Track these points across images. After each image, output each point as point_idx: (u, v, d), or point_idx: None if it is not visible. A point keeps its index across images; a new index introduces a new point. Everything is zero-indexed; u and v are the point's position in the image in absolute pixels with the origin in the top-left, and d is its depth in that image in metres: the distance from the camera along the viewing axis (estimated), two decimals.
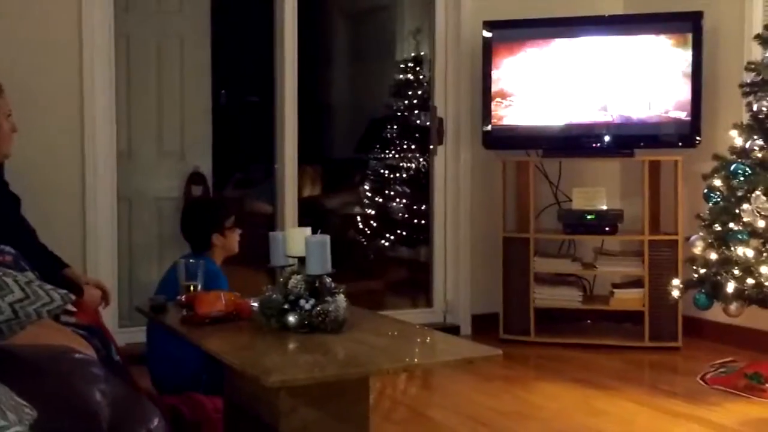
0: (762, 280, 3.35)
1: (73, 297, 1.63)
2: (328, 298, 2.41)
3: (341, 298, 2.43)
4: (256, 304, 2.54)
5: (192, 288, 2.62)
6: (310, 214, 5.42)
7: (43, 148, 3.71)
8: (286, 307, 2.41)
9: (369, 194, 6.49)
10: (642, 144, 4.36)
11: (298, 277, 2.45)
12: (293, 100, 4.41)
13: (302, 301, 2.41)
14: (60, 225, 3.69)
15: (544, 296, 4.39)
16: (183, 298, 2.58)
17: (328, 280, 2.45)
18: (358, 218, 6.53)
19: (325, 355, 2.22)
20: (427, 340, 2.46)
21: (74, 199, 3.88)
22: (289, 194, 4.44)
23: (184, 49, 4.52)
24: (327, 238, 2.47)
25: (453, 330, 4.53)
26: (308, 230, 2.57)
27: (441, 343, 2.43)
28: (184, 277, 2.63)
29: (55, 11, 3.82)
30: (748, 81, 3.67)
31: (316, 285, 2.43)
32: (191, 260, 2.68)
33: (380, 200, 6.39)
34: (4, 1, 3.71)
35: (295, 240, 2.53)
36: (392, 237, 6.23)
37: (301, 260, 2.50)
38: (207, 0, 4.63)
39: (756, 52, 3.85)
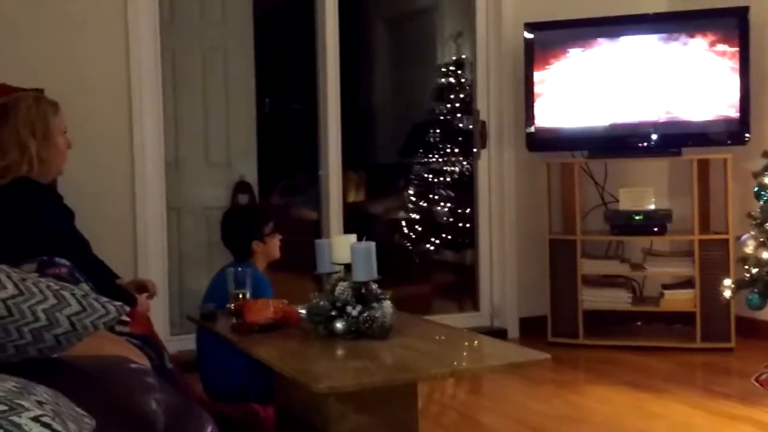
0: None
1: (128, 308, 1.67)
2: (375, 305, 2.43)
3: (387, 304, 2.45)
4: (303, 311, 2.57)
5: (241, 296, 2.67)
6: (355, 220, 5.45)
7: (93, 162, 3.79)
8: (333, 313, 2.44)
9: (413, 199, 6.50)
10: (690, 142, 4.30)
11: (345, 283, 2.48)
12: (336, 106, 4.44)
13: (349, 308, 2.43)
14: (111, 236, 3.77)
15: (593, 298, 4.35)
16: (232, 306, 2.62)
17: (374, 286, 2.47)
18: (403, 223, 6.54)
19: (373, 361, 2.24)
20: (475, 345, 2.46)
21: (124, 210, 3.96)
22: (333, 200, 4.48)
23: (228, 60, 4.59)
24: (372, 244, 2.49)
25: (500, 333, 4.51)
26: (354, 237, 2.60)
27: (488, 348, 2.43)
28: (233, 286, 2.68)
29: (101, 27, 3.91)
30: None
31: (363, 291, 2.46)
32: (239, 268, 2.72)
33: (425, 204, 6.39)
34: (51, 19, 3.81)
35: (341, 247, 2.56)
36: (437, 241, 6.23)
37: (347, 267, 2.53)
38: (249, 10, 4.70)
39: None
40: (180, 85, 4.43)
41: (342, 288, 2.48)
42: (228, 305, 2.66)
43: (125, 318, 2.16)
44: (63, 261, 2.25)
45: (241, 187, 4.58)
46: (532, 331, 4.50)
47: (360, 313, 2.42)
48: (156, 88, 4.07)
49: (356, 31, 7.72)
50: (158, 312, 3.72)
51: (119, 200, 3.96)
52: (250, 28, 4.68)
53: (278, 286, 3.40)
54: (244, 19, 4.67)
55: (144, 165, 3.99)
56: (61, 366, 1.56)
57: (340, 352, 2.37)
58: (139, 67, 3.96)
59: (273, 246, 3.20)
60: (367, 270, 2.47)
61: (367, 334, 2.39)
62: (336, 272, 2.59)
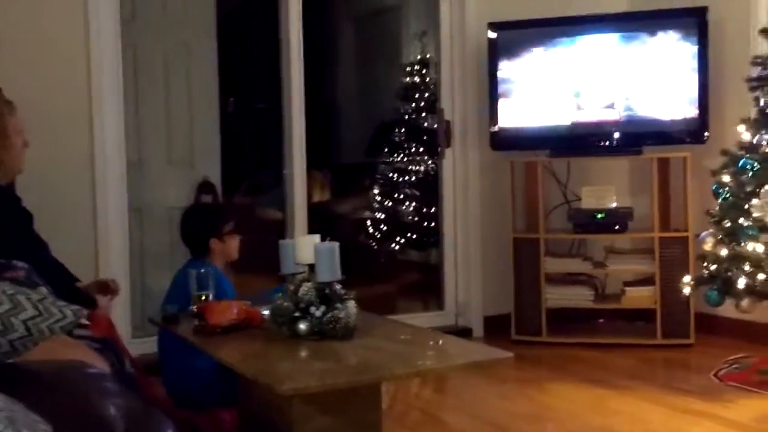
0: None
1: (85, 312, 1.65)
2: (339, 305, 2.43)
3: (351, 305, 2.45)
4: (267, 312, 2.56)
5: (203, 298, 2.65)
6: (320, 220, 5.43)
7: (53, 162, 3.73)
8: (297, 314, 2.43)
9: (379, 198, 6.51)
10: (650, 141, 4.35)
11: (309, 284, 2.47)
12: (300, 105, 4.43)
13: (313, 309, 2.43)
14: (72, 237, 3.71)
15: (556, 296, 4.39)
16: (195, 308, 2.60)
17: (338, 286, 2.47)
18: (369, 222, 6.54)
19: (337, 362, 2.24)
20: (439, 344, 2.46)
21: (85, 210, 3.90)
22: (298, 200, 4.46)
23: (191, 58, 4.55)
24: (336, 245, 2.48)
25: (465, 332, 4.54)
26: (317, 237, 2.60)
27: (452, 347, 2.44)
28: (195, 288, 2.66)
29: (61, 25, 3.85)
30: (755, 75, 3.67)
31: (326, 292, 2.45)
32: (202, 270, 2.70)
33: (390, 204, 6.40)
34: (10, 17, 3.74)
35: (305, 247, 2.55)
36: (403, 240, 6.25)
37: (311, 267, 2.52)
38: (212, 7, 4.65)
39: (762, 47, 3.83)
40: (142, 83, 4.38)
41: (306, 289, 2.47)
42: (191, 307, 2.64)
43: (84, 321, 2.13)
44: (21, 264, 2.21)
45: (205, 187, 4.53)
46: (496, 329, 4.53)
47: (324, 313, 2.41)
48: (117, 86, 4.02)
49: (321, 29, 7.70)
50: (120, 314, 3.68)
51: (80, 200, 3.90)
52: (213, 26, 4.64)
53: (243, 286, 3.39)
54: (207, 17, 4.62)
55: (105, 165, 3.93)
56: (17, 371, 1.54)
57: (303, 353, 2.36)
58: (100, 65, 3.90)
59: (231, 246, 3.18)
60: (330, 270, 2.47)
61: (330, 335, 2.39)
62: (300, 273, 2.58)
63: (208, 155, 4.62)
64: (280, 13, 4.45)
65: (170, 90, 4.49)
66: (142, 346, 3.73)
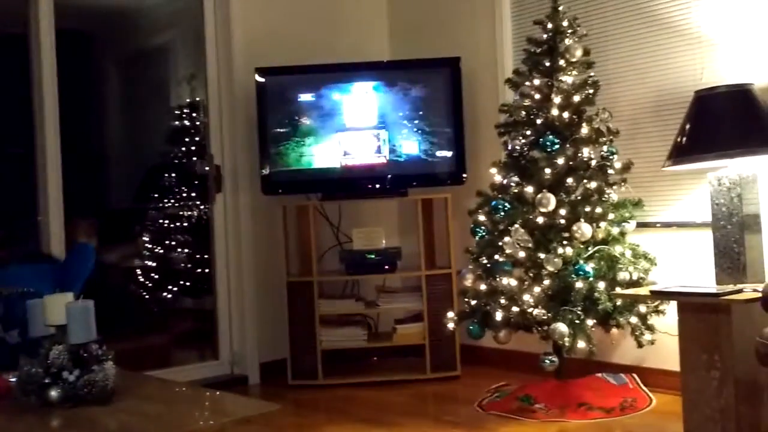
0: (525, 307, 3.59)
1: None
2: (95, 367, 2.29)
3: (110, 366, 2.33)
4: (14, 380, 2.36)
5: None
6: None
7: None
8: (47, 381, 2.26)
9: (149, 245, 6.25)
10: (415, 183, 4.55)
11: (60, 347, 2.31)
12: (56, 149, 4.18)
13: (65, 373, 2.28)
14: None
15: (331, 338, 4.43)
16: None
17: (95, 346, 2.33)
18: (139, 271, 6.26)
19: (93, 431, 2.10)
20: (204, 403, 2.39)
21: None
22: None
23: None
24: (90, 303, 2.35)
25: (241, 380, 4.46)
26: (70, 296, 2.43)
27: (217, 403, 2.37)
28: None
29: None
30: (502, 122, 3.96)
31: (81, 354, 2.30)
32: None
33: (161, 251, 6.17)
34: None
35: (55, 307, 2.38)
36: (176, 288, 6.03)
37: (63, 328, 2.36)
38: None
39: (509, 95, 4.17)
40: None
41: (57, 352, 2.30)
42: None
43: None
44: None
45: None
46: (273, 375, 4.49)
47: (78, 377, 2.27)
48: None
49: (84, 70, 7.33)
50: None
51: None
52: None
53: None
54: None
55: None
56: None
57: (56, 423, 2.20)
58: None
59: None
60: (85, 330, 2.33)
61: (86, 401, 2.24)
62: (51, 335, 2.41)
63: None
64: (30, 51, 4.19)
65: None
66: None
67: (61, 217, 4.21)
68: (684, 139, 3.32)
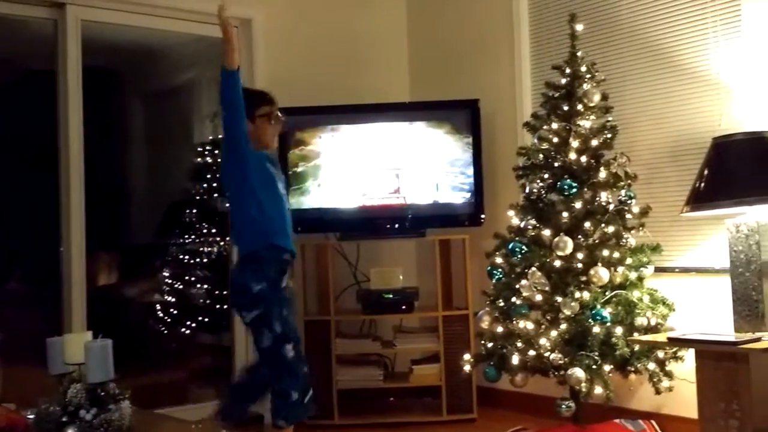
0: (541, 351, 3.58)
1: None
2: (112, 406, 2.31)
3: (126, 405, 2.35)
4: (32, 417, 2.38)
5: None
6: (106, 304, 5.17)
7: None
8: (64, 419, 2.28)
9: (169, 280, 6.30)
10: (433, 224, 4.57)
11: (78, 385, 2.34)
12: (79, 184, 4.25)
13: (83, 412, 2.29)
14: None
15: (347, 377, 4.43)
16: None
17: (112, 385, 2.35)
18: (158, 306, 6.30)
19: None
20: None
21: None
22: (76, 284, 4.18)
23: None
24: (109, 342, 2.38)
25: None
26: (89, 335, 2.47)
27: None
28: None
29: None
30: (521, 165, 3.98)
31: (99, 393, 2.33)
32: None
33: (181, 286, 6.21)
34: None
35: (74, 346, 2.41)
36: (194, 324, 6.07)
37: (82, 366, 2.39)
38: None
39: (527, 138, 4.19)
40: None
41: (75, 390, 2.33)
42: None
43: None
44: None
45: None
46: None
47: (95, 416, 2.28)
48: None
49: (108, 107, 7.46)
50: None
51: None
52: None
53: (11, 384, 3.13)
54: None
55: None
56: None
57: None
58: None
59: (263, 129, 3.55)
60: (103, 370, 2.35)
61: None
62: (70, 373, 2.44)
63: None
64: (57, 87, 4.28)
65: None
66: None
67: (82, 252, 4.26)
68: (702, 184, 3.32)
